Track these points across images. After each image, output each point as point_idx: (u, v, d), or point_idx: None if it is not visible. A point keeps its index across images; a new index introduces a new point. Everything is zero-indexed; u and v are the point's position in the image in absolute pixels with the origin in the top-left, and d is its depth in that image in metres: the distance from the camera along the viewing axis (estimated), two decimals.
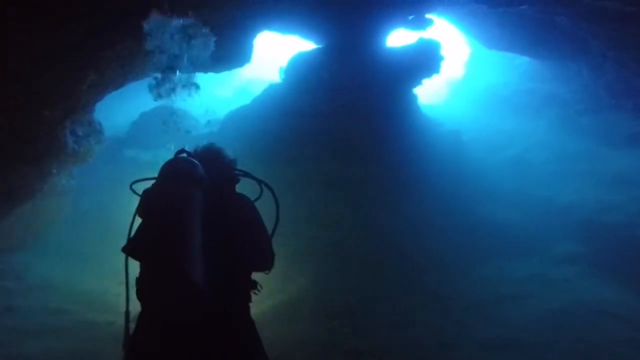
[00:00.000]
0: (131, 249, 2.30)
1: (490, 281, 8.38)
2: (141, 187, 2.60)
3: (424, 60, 11.22)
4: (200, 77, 19.71)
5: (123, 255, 2.38)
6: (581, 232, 9.50)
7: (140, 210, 2.43)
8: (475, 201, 11.11)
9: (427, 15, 11.27)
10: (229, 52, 9.67)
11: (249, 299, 2.52)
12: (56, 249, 9.00)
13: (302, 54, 12.20)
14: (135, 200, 2.51)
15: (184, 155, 2.62)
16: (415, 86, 11.87)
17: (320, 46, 12.04)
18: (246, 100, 13.89)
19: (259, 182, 2.78)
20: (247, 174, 2.77)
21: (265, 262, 2.60)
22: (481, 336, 5.98)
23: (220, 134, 12.38)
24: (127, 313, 2.38)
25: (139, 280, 2.19)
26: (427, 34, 11.91)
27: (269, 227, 2.68)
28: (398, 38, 12.76)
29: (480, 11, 11.09)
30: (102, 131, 8.77)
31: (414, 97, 12.23)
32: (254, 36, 10.21)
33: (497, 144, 13.03)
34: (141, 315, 2.31)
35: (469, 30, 13.56)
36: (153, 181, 2.53)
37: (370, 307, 7.11)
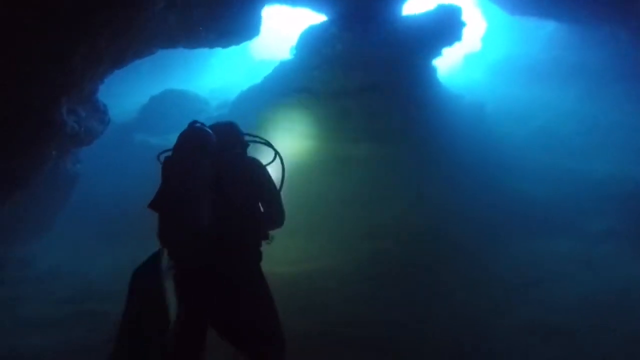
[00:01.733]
0: (153, 205, 2.61)
1: (525, 261, 7.58)
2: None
3: (444, 28, 10.28)
4: (212, 59, 19.11)
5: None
6: (618, 207, 8.61)
7: (163, 175, 2.72)
8: (502, 176, 10.26)
9: None
10: (235, 24, 8.91)
11: (259, 251, 2.78)
12: (64, 237, 8.54)
13: (313, 27, 11.38)
14: (154, 181, 2.74)
15: (197, 124, 2.79)
16: (435, 57, 10.96)
17: (331, 18, 11.19)
18: (257, 81, 13.15)
19: (267, 144, 3.04)
20: (255, 138, 3.05)
21: (277, 218, 2.84)
22: (524, 321, 5.27)
23: (231, 116, 11.69)
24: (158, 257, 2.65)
25: (159, 232, 2.58)
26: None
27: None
28: (414, 5, 11.84)
29: None
30: (106, 112, 8.19)
31: (434, 69, 11.33)
32: (261, 6, 9.38)
33: (522, 115, 12.08)
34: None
35: None
36: None
37: (396, 294, 6.45)
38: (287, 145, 8.85)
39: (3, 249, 7.37)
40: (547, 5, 11.17)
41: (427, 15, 10.56)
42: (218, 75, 20.24)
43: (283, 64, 12.15)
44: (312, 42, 11.13)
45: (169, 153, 2.76)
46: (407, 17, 10.81)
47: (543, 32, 15.34)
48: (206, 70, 19.45)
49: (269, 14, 11.23)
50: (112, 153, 11.47)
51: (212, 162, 2.60)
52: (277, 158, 3.01)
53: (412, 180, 9.73)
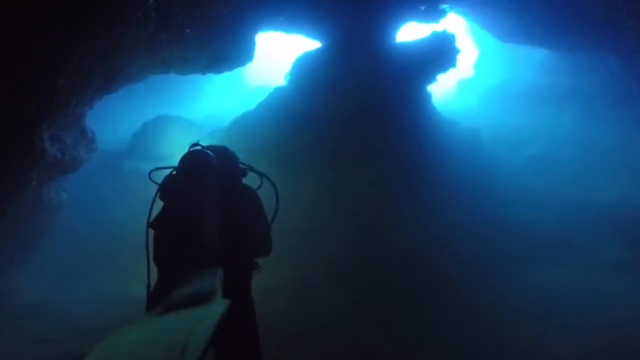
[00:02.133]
0: (156, 224, 2.64)
1: (527, 293, 7.23)
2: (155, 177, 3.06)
3: (439, 54, 10.22)
4: (206, 85, 19.02)
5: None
6: (624, 233, 8.35)
7: (162, 194, 2.81)
8: (499, 203, 10.00)
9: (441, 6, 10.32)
10: (228, 50, 8.78)
11: (251, 274, 2.83)
12: (48, 268, 8.08)
13: (307, 53, 11.31)
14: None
15: (199, 147, 2.90)
16: (429, 83, 10.87)
17: (325, 44, 11.15)
18: (252, 107, 13.00)
19: (260, 175, 3.17)
20: (251, 168, 3.13)
21: (264, 247, 2.89)
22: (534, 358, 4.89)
23: (224, 142, 11.43)
24: (148, 286, 2.66)
25: (159, 250, 2.56)
26: (439, 27, 10.99)
27: (270, 216, 3.03)
28: (408, 33, 11.86)
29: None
30: (94, 139, 7.91)
31: (428, 95, 11.23)
32: (255, 32, 9.29)
33: (517, 142, 11.95)
34: (158, 281, 2.57)
35: (482, 22, 12.52)
36: (169, 170, 2.96)
37: (387, 325, 6.05)
38: (279, 171, 8.58)
39: None
40: (536, 32, 11.22)
41: (422, 42, 10.53)
42: (212, 102, 20.15)
43: (277, 90, 12.02)
44: (306, 68, 11.04)
45: (168, 171, 2.91)
46: (402, 43, 10.78)
47: (535, 58, 15.46)
48: (200, 96, 19.36)
49: (263, 40, 11.19)
50: (100, 181, 11.13)
51: (218, 184, 2.69)
52: (273, 189, 3.11)
53: (407, 207, 9.44)
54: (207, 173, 2.65)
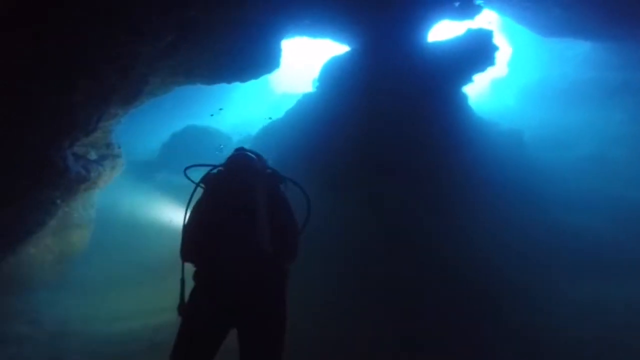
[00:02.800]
0: (204, 218, 2.66)
1: (584, 310, 6.41)
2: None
3: (475, 53, 9.53)
4: (234, 94, 18.92)
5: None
6: None
7: (208, 191, 2.81)
8: (546, 208, 9.16)
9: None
10: (254, 57, 8.42)
11: (287, 282, 2.75)
12: (78, 287, 7.90)
13: (335, 58, 10.85)
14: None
15: (244, 151, 3.01)
16: (465, 84, 10.18)
17: (354, 47, 10.66)
18: (279, 115, 12.65)
19: (294, 183, 3.10)
20: (287, 178, 3.08)
21: (296, 254, 2.81)
22: None
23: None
24: (182, 280, 2.71)
25: (202, 249, 2.62)
26: (473, 24, 10.29)
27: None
28: (439, 32, 11.21)
29: None
30: (120, 155, 7.70)
31: (465, 96, 10.53)
32: (280, 37, 8.90)
33: (563, 142, 11.02)
34: (198, 282, 2.63)
35: (520, 17, 11.69)
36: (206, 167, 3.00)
37: (426, 344, 5.43)
38: (308, 180, 8.09)
39: (7, 300, 6.77)
40: (581, 25, 10.33)
41: (456, 40, 9.87)
42: (240, 110, 20.01)
43: (306, 97, 11.63)
44: (334, 73, 10.58)
45: (210, 169, 2.93)
46: (434, 43, 10.15)
47: (574, 52, 14.43)
48: (228, 105, 19.27)
49: (290, 46, 10.82)
50: (133, 193, 11.03)
51: (265, 188, 2.75)
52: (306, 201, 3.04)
53: (446, 218, 8.76)
54: (257, 173, 2.79)
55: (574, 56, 14.47)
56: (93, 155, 6.60)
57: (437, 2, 9.47)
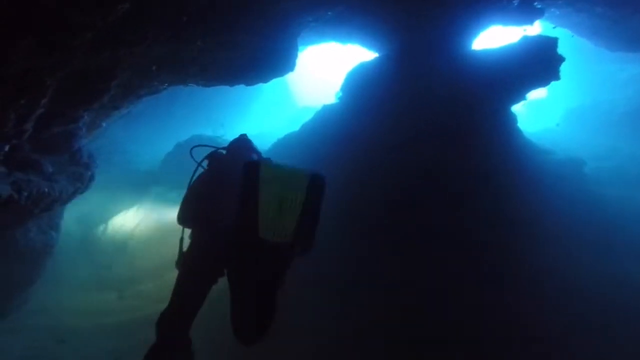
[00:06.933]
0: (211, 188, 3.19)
1: None
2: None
3: (535, 64, 7.52)
4: (253, 104, 17.42)
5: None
6: None
7: (212, 168, 3.36)
8: (618, 253, 7.07)
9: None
10: (265, 58, 6.69)
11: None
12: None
13: (362, 65, 9.03)
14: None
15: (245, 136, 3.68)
16: (517, 101, 8.17)
17: (383, 53, 8.83)
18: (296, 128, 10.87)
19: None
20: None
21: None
22: None
23: None
24: (181, 239, 3.24)
25: (202, 209, 3.12)
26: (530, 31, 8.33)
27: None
28: (487, 39, 9.29)
29: None
30: (90, 165, 6.00)
31: (514, 117, 8.51)
32: (296, 36, 7.14)
33: (633, 175, 8.83)
34: (193, 240, 3.22)
35: (583, 28, 9.63)
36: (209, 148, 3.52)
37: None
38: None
39: None
40: None
41: (509, 49, 7.89)
42: (259, 122, 18.46)
43: (325, 109, 9.85)
44: (360, 82, 8.77)
45: (214, 150, 3.42)
46: (482, 52, 8.20)
47: (627, 74, 12.26)
48: (247, 117, 17.72)
49: (313, 58, 9.08)
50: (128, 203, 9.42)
51: None
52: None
53: (494, 260, 6.73)
54: (256, 154, 3.58)
55: (625, 78, 12.32)
56: (47, 169, 4.91)
57: (488, 3, 7.58)
